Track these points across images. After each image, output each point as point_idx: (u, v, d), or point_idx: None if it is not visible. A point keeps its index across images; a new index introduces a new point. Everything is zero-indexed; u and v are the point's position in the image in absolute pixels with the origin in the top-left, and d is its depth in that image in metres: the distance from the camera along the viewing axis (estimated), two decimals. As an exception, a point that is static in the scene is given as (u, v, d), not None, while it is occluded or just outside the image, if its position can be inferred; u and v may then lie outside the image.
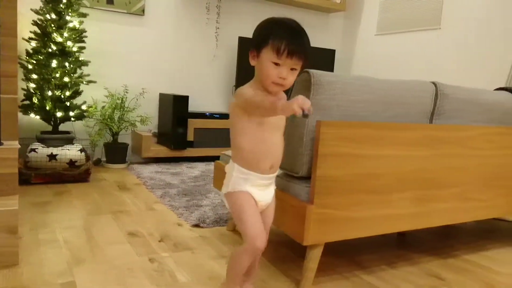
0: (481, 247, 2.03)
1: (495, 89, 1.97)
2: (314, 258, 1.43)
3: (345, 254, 1.80)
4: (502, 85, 2.94)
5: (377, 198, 1.47)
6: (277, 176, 1.55)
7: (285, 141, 1.19)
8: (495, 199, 1.85)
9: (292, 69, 1.07)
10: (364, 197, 1.44)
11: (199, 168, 3.32)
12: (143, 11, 3.60)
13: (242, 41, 3.82)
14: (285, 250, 1.81)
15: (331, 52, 4.29)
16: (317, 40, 4.45)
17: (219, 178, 2.01)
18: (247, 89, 1.10)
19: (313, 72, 1.34)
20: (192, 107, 3.78)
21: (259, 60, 1.08)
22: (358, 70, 4.42)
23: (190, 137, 3.50)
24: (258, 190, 1.15)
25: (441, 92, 1.62)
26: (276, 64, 1.05)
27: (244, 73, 3.88)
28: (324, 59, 4.26)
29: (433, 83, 1.63)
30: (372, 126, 1.41)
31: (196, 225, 2.01)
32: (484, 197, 1.81)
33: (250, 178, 1.14)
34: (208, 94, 4.04)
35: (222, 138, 3.59)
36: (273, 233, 2.02)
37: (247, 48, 1.13)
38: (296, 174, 1.42)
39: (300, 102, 0.92)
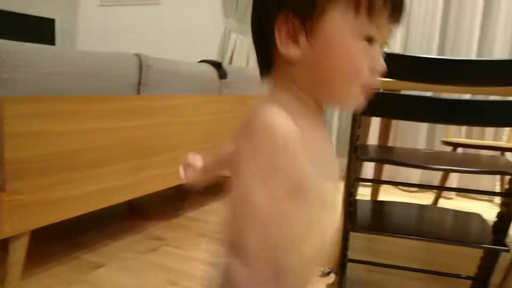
0: (203, 203, 2.28)
1: (199, 61, 2.19)
2: (19, 249, 1.28)
3: (66, 236, 1.70)
4: (215, 57, 3.32)
5: (87, 174, 1.43)
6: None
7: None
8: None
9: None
10: (71, 175, 1.37)
11: None
12: None
13: None
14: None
15: (50, 22, 3.88)
16: (31, 7, 3.93)
17: None
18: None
19: (-15, 40, 1.15)
20: None
21: (321, 38, 0.48)
22: (84, 43, 4.17)
23: None
24: None
25: (145, 64, 1.67)
26: (369, 40, 0.49)
27: None
28: (42, 29, 3.82)
29: (137, 55, 1.67)
30: (70, 100, 1.34)
31: None
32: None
33: None
34: None
35: None
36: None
37: (258, 15, 0.53)
38: (-18, 160, 1.22)
39: None
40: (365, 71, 0.49)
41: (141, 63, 1.67)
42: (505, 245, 1.15)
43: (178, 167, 1.90)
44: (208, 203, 2.28)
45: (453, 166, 1.39)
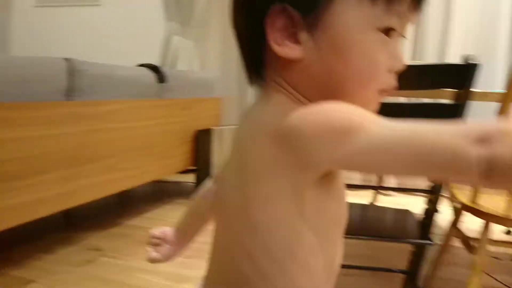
0: (144, 210, 2.22)
1: (137, 65, 2.13)
2: None
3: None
4: (157, 61, 3.25)
5: (13, 185, 1.34)
6: None
7: None
8: (148, 165, 2.05)
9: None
10: (-5, 188, 1.29)
11: None
12: None
13: None
14: None
15: (-23, 23, 3.64)
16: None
17: None
18: (340, 107, 0.37)
19: None
20: None
21: (327, 33, 0.39)
22: (18, 45, 3.95)
23: None
24: None
25: (76, 69, 1.61)
26: (387, 31, 0.40)
27: None
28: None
29: (67, 59, 1.60)
30: (-9, 108, 1.26)
31: None
32: (137, 164, 1.97)
33: None
34: None
35: None
36: None
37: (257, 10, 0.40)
38: None
39: None
40: (383, 71, 0.41)
41: (71, 68, 1.60)
42: (429, 239, 1.21)
43: (116, 175, 1.85)
44: (149, 209, 2.23)
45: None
